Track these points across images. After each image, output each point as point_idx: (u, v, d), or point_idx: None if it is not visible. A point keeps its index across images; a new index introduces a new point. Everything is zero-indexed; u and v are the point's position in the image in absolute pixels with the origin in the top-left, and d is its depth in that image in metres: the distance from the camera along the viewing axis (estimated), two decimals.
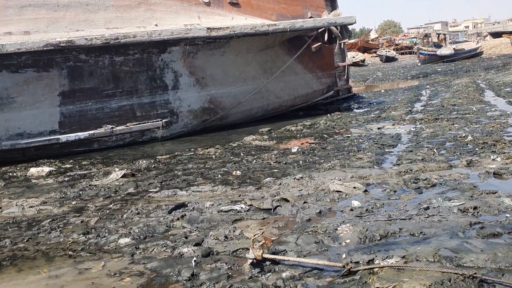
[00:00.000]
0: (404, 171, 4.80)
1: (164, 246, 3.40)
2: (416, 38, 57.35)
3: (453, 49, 37.92)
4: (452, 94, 12.37)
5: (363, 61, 45.36)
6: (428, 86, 16.49)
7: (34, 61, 8.21)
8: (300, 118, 11.37)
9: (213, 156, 7.07)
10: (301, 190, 4.39)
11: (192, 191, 4.90)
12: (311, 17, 12.19)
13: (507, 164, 4.76)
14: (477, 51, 40.72)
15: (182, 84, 9.93)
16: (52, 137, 8.57)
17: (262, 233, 2.95)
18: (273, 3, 11.55)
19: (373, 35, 72.83)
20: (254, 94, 11.05)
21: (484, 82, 15.24)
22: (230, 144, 8.13)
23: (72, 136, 8.70)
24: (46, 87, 8.43)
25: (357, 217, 3.56)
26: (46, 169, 7.08)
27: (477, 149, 5.55)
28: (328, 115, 10.77)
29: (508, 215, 3.32)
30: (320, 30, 12.00)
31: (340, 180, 4.69)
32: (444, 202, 3.65)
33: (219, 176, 5.58)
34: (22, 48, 7.89)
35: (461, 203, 3.59)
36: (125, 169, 6.18)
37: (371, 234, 3.17)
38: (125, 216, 4.28)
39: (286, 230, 3.45)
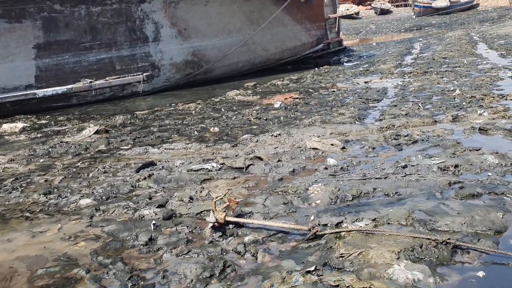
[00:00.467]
0: (386, 127, 4.58)
1: (126, 207, 3.20)
2: None
3: (449, 1, 36.99)
4: (444, 47, 12.02)
5: (357, 13, 44.31)
6: (420, 39, 16.07)
7: (5, 11, 7.77)
8: (288, 72, 11.05)
9: (193, 112, 6.81)
10: (277, 147, 4.18)
11: (165, 149, 4.67)
12: None
13: (493, 119, 4.55)
14: (473, 4, 39.79)
15: (163, 36, 9.51)
16: (28, 92, 8.24)
17: (225, 194, 2.75)
18: None
19: None
20: (240, 47, 10.64)
21: (477, 35, 14.84)
22: (212, 99, 7.85)
23: (49, 91, 8.37)
24: (19, 39, 8.02)
25: (331, 176, 3.36)
26: (20, 125, 6.81)
27: (464, 103, 5.32)
28: (316, 69, 10.45)
29: (490, 174, 3.13)
30: None
31: (318, 136, 4.47)
32: (424, 160, 3.46)
33: (196, 132, 5.34)
34: None
35: (441, 161, 3.39)
36: (99, 125, 5.92)
37: (343, 194, 2.98)
38: (91, 175, 4.06)
39: (255, 190, 3.26)
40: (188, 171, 3.82)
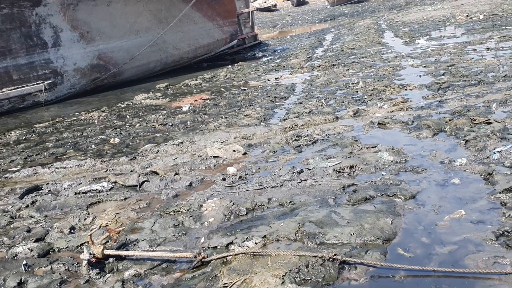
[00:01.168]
0: (289, 127, 4.49)
1: (1, 245, 2.86)
2: None
3: None
4: (353, 37, 12.28)
5: (275, 6, 44.61)
6: (333, 30, 16.38)
7: None
8: (202, 71, 10.81)
9: (95, 121, 6.40)
10: (176, 158, 3.95)
11: (56, 168, 4.29)
12: None
13: (392, 112, 4.60)
14: None
15: (64, 40, 8.91)
16: None
17: (99, 227, 2.48)
18: None
19: None
20: (149, 47, 10.23)
21: (385, 23, 15.35)
22: (119, 105, 7.45)
23: None
24: None
25: (228, 187, 3.19)
26: None
27: (365, 96, 5.35)
28: (230, 66, 10.29)
29: (384, 174, 3.10)
30: None
31: (222, 142, 4.30)
32: (321, 162, 3.38)
33: (93, 146, 4.98)
34: None
35: (337, 162, 3.33)
36: None
37: (237, 208, 2.82)
38: None
39: (146, 212, 3.02)
40: (75, 194, 3.50)
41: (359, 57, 8.63)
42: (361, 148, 3.59)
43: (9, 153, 5.19)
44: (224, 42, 12.52)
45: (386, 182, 2.93)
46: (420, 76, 6.12)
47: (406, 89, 5.47)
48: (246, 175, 3.37)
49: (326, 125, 4.47)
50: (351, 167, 3.22)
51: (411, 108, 4.59)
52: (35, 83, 8.58)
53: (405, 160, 3.29)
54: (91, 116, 6.72)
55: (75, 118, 6.88)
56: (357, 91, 5.71)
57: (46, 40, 8.67)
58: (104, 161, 4.31)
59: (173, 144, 4.39)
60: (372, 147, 3.57)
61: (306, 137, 4.05)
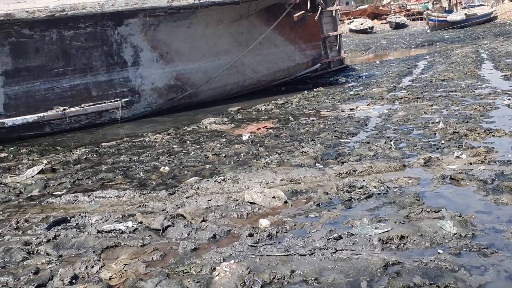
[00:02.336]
0: (346, 172, 3.95)
1: (4, 286, 2.66)
2: (428, 3, 54.99)
3: (465, 14, 35.92)
4: (447, 66, 11.30)
5: (372, 28, 43.61)
6: (427, 56, 15.34)
7: None
8: (279, 94, 10.49)
9: (157, 145, 6.28)
10: (210, 200, 3.59)
11: (95, 197, 4.13)
12: None
13: (471, 164, 3.89)
14: (491, 16, 38.60)
15: (143, 59, 9.05)
16: None
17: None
18: None
19: (387, 0, 70.40)
20: (227, 69, 10.13)
21: (486, 52, 14.06)
22: (185, 128, 7.32)
23: (19, 120, 7.94)
24: None
25: (252, 247, 2.76)
26: None
27: (443, 141, 4.65)
28: (306, 92, 9.86)
29: (440, 252, 2.49)
30: None
31: (267, 184, 3.88)
32: (367, 227, 2.83)
33: (142, 174, 4.79)
34: None
35: (387, 229, 2.76)
36: (44, 164, 5.41)
37: (253, 279, 2.38)
38: (0, 231, 3.54)
39: (156, 267, 2.67)
40: (98, 232, 3.26)
41: (448, 91, 7.79)
42: (421, 211, 2.98)
43: (63, 173, 5.18)
44: (306, 66, 12.13)
45: (440, 266, 2.32)
46: None
47: (493, 135, 4.68)
48: (277, 232, 2.92)
49: (389, 174, 3.88)
50: (402, 237, 2.64)
51: (495, 162, 3.85)
52: (113, 100, 8.76)
53: (473, 234, 2.64)
54: (155, 139, 6.63)
55: (141, 139, 6.83)
56: (435, 133, 5.01)
57: (126, 59, 8.84)
58: (144, 194, 4.07)
59: (215, 181, 4.05)
60: (435, 211, 2.94)
61: (360, 188, 3.50)
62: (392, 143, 4.68)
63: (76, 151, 6.39)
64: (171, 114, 9.39)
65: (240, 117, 7.96)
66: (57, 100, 8.27)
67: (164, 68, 9.34)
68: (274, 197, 3.48)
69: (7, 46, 7.71)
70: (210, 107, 9.70)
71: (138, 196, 4.05)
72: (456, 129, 4.99)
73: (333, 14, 14.37)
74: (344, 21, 49.12)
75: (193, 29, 9.53)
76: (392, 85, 9.17)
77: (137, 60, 8.98)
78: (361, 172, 3.96)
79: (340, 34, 14.43)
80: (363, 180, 3.67)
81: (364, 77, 11.82)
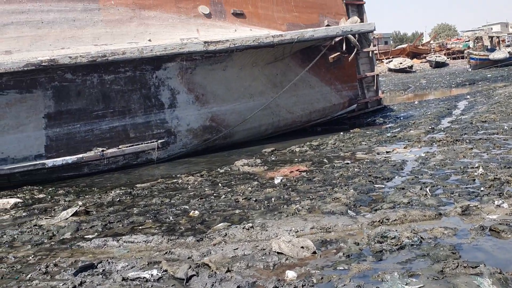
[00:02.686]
0: (379, 221, 3.80)
1: None
2: (469, 41, 54.27)
3: (508, 52, 35.18)
4: (489, 107, 10.97)
5: (411, 67, 43.35)
6: (468, 96, 14.99)
7: (16, 82, 7.76)
8: (315, 135, 10.43)
9: (189, 187, 6.29)
10: (237, 249, 3.51)
11: (124, 242, 4.12)
12: (328, 25, 11.21)
13: None
14: None
15: (180, 101, 9.24)
16: (37, 162, 8.08)
17: None
18: (284, 12, 10.65)
19: (427, 39, 70.11)
20: (262, 110, 10.21)
21: None
22: (218, 170, 7.32)
23: (58, 161, 8.18)
24: (30, 109, 7.96)
25: None
26: (12, 200, 6.53)
27: (483, 188, 4.43)
28: (341, 133, 9.74)
29: None
30: (337, 39, 11.03)
31: (296, 232, 3.77)
32: (397, 282, 2.67)
33: (171, 218, 4.78)
34: (0, 69, 7.42)
35: (418, 285, 2.60)
36: (79, 206, 5.50)
37: None
38: (29, 276, 3.57)
39: None
40: (123, 279, 3.23)
41: (489, 133, 7.52)
42: (457, 265, 2.80)
43: (96, 216, 5.23)
44: (342, 107, 12.07)
45: None
46: None
47: None
48: (303, 286, 2.80)
49: (424, 223, 3.70)
50: None
51: None
52: (149, 141, 8.93)
53: None
54: (187, 181, 6.65)
55: (174, 181, 6.87)
56: (474, 180, 4.79)
57: (163, 101, 9.05)
58: (171, 239, 4.04)
59: (243, 228, 3.97)
60: (472, 267, 2.76)
61: (392, 239, 3.34)
62: (427, 189, 4.49)
63: (111, 192, 6.47)
64: (205, 154, 9.47)
65: (273, 158, 7.92)
66: (96, 142, 8.49)
67: (199, 109, 9.49)
68: (302, 247, 3.37)
69: (50, 90, 8.03)
70: (244, 147, 9.73)
71: (166, 242, 4.02)
72: (497, 175, 4.75)
73: (370, 55, 14.38)
74: (382, 60, 49.17)
75: (229, 72, 9.70)
76: (430, 127, 8.95)
77: (174, 102, 9.17)
78: (394, 220, 3.80)
79: (377, 75, 14.36)
80: (396, 230, 3.51)
81: (402, 118, 11.61)
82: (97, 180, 7.92)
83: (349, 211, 4.19)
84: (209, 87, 9.53)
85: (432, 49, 57.77)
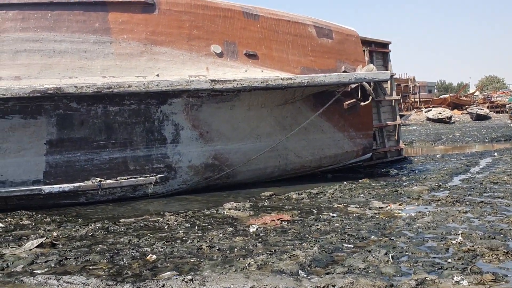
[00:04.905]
0: (323, 287, 3.50)
1: None
2: None
3: None
4: (509, 167, 10.37)
5: (450, 118, 42.34)
6: (495, 154, 14.30)
7: (21, 108, 7.95)
8: (323, 182, 10.14)
9: (165, 227, 6.14)
10: None
11: (64, 282, 3.98)
12: (344, 71, 11.06)
13: None
14: None
15: (183, 137, 9.21)
16: (34, 187, 8.17)
17: None
18: (299, 56, 10.58)
19: (473, 90, 68.67)
20: (268, 152, 10.04)
21: None
22: (204, 211, 7.15)
23: (55, 188, 8.24)
24: (32, 134, 8.11)
25: None
26: None
27: (450, 260, 4.04)
28: (345, 182, 9.41)
29: None
30: (354, 86, 10.83)
31: None
32: None
33: (126, 260, 4.61)
34: (7, 94, 7.62)
35: None
36: (44, 238, 5.42)
37: None
38: None
39: None
40: None
41: (494, 196, 7.04)
42: None
43: (58, 250, 5.13)
44: (356, 155, 11.73)
45: None
46: None
47: None
48: None
49: None
50: None
51: None
52: (148, 175, 8.89)
53: None
54: (168, 220, 6.51)
55: (157, 219, 6.74)
56: (448, 249, 4.39)
57: (166, 136, 9.04)
58: (109, 285, 3.86)
59: (182, 280, 3.76)
60: None
61: None
62: (390, 256, 4.14)
63: (90, 226, 6.39)
64: (206, 192, 9.34)
65: (266, 204, 7.68)
66: (95, 172, 8.52)
67: (203, 147, 9.42)
68: None
69: (54, 117, 8.17)
70: (245, 189, 9.54)
71: (104, 287, 3.84)
72: (474, 246, 4.35)
73: (393, 103, 14.04)
74: (422, 109, 48.35)
75: (236, 111, 9.64)
76: (437, 184, 8.49)
77: (177, 137, 9.14)
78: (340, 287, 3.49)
79: (399, 124, 13.97)
80: None
81: (416, 171, 11.16)
82: (88, 211, 7.90)
83: (300, 272, 3.90)
84: (214, 125, 9.47)
85: (475, 101, 56.45)
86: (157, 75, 8.89)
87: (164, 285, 3.74)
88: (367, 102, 10.56)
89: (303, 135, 10.60)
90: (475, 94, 64.49)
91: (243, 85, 8.97)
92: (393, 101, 14.03)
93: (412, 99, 53.08)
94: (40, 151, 8.18)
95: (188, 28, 9.27)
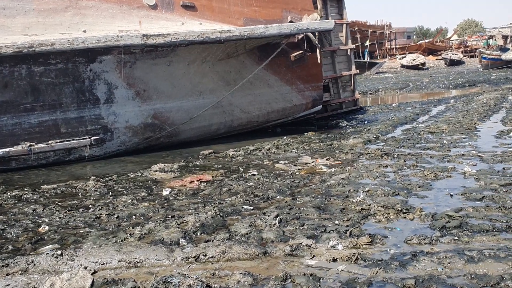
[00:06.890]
0: (194, 257, 3.34)
1: None
2: (491, 39, 52.28)
3: None
4: (455, 114, 10.25)
5: (423, 64, 42.13)
6: (451, 101, 14.19)
7: None
8: (271, 137, 9.93)
9: (80, 193, 5.90)
10: (8, 285, 3.09)
11: None
12: (291, 21, 10.62)
13: (334, 260, 3.14)
14: None
15: (117, 97, 8.83)
16: None
17: None
18: (242, 6, 10.09)
19: (451, 35, 68.01)
20: (213, 109, 9.74)
21: None
22: (129, 174, 6.92)
23: None
24: None
25: None
26: None
27: (337, 221, 3.89)
28: (285, 137, 9.22)
29: None
30: (300, 37, 10.44)
31: (102, 264, 3.34)
32: None
33: (13, 234, 4.39)
34: None
35: None
36: None
37: None
38: None
39: None
40: None
41: (425, 147, 6.91)
42: None
43: None
44: (305, 108, 11.48)
45: None
46: (452, 196, 4.40)
47: (405, 217, 3.88)
48: None
49: (242, 263, 3.22)
50: None
51: (365, 260, 3.09)
52: (82, 138, 8.57)
53: None
54: (85, 186, 6.26)
55: (77, 184, 6.48)
56: (344, 209, 4.25)
57: (98, 96, 8.65)
58: None
59: (52, 255, 3.55)
60: None
61: (173, 286, 2.87)
62: (278, 219, 3.97)
63: (6, 194, 6.13)
64: (147, 153, 9.08)
65: (197, 163, 7.47)
66: (25, 136, 8.16)
67: (140, 106, 9.08)
68: None
69: None
70: (188, 147, 9.30)
71: None
72: (370, 205, 4.20)
73: (348, 53, 13.71)
74: (397, 56, 47.93)
75: (174, 67, 9.24)
76: (375, 135, 8.33)
77: (111, 97, 8.76)
78: (211, 257, 3.33)
79: (354, 74, 13.68)
80: (187, 275, 3.04)
81: (366, 122, 11.00)
82: (17, 177, 7.63)
83: (181, 240, 3.73)
84: (151, 83, 9.09)
85: (450, 46, 56.10)
86: (84, 31, 8.40)
87: (33, 261, 3.54)
88: (318, 52, 10.18)
89: (249, 90, 10.29)
90: (452, 39, 64.04)
91: (178, 40, 8.54)
92: (348, 50, 13.69)
93: (388, 46, 52.51)
94: None
95: None
